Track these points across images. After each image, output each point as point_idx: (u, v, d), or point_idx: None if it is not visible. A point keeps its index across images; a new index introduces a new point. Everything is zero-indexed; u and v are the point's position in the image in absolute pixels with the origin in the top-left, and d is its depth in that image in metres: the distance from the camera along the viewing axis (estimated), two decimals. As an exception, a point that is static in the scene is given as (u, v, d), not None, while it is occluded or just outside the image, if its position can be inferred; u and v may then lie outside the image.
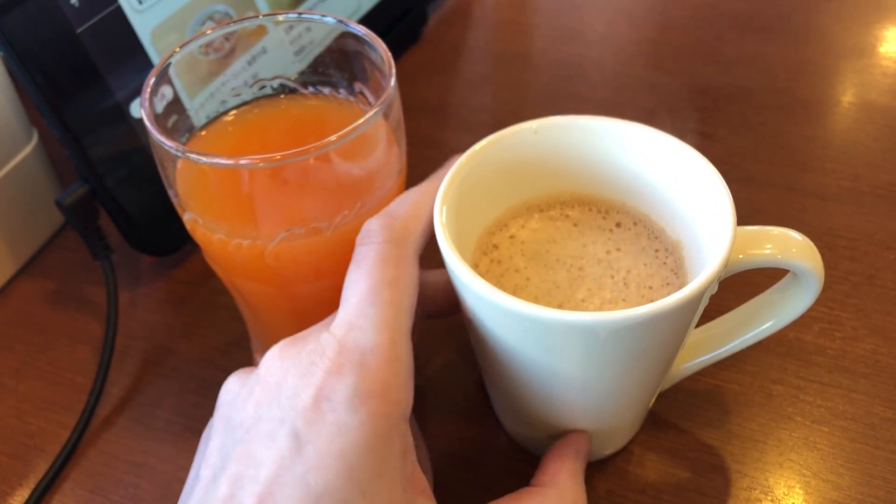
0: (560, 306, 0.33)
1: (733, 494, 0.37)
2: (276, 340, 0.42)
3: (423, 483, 0.29)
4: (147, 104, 0.33)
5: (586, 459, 0.35)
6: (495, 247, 0.36)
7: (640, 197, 0.36)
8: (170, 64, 0.35)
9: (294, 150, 0.30)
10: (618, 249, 0.35)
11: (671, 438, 0.39)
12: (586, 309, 0.33)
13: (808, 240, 0.32)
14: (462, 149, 0.34)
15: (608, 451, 0.39)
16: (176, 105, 0.37)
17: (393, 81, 0.33)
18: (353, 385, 0.26)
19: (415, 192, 0.33)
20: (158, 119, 0.35)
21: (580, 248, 0.36)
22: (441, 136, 0.60)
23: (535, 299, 0.33)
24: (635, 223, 0.36)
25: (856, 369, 0.42)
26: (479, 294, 0.29)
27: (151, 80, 0.34)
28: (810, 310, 0.44)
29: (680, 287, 0.32)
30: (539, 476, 0.34)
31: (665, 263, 0.34)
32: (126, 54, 0.45)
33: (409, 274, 0.30)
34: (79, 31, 0.43)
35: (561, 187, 0.37)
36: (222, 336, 0.47)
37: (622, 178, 0.36)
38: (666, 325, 0.29)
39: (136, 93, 0.46)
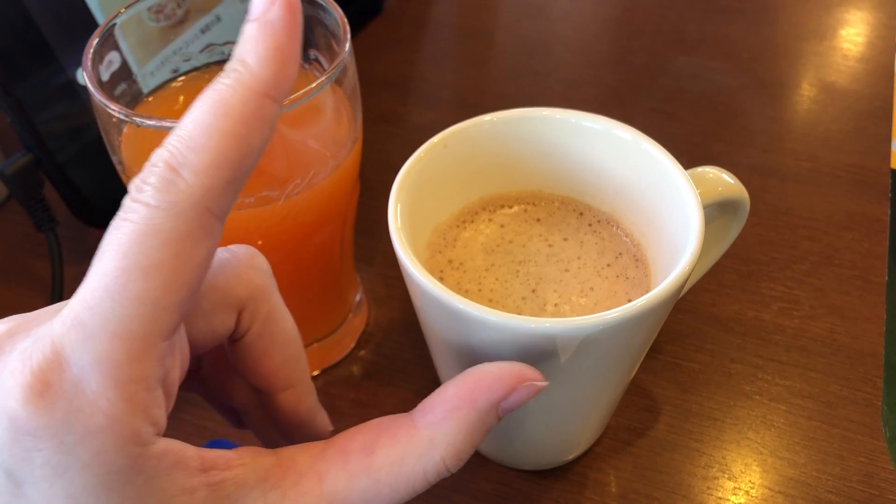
0: (527, 313, 0.31)
1: (691, 472, 0.37)
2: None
3: (178, 452, 0.21)
4: (90, 66, 0.32)
5: (504, 407, 0.24)
6: (452, 246, 0.34)
7: (604, 193, 0.34)
8: (115, 25, 0.34)
9: (243, 115, 0.29)
10: (581, 252, 0.34)
11: (629, 416, 0.39)
12: (557, 315, 0.31)
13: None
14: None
15: (572, 456, 0.38)
16: (124, 72, 0.35)
17: (348, 47, 0.32)
18: (62, 421, 0.19)
19: (205, 123, 0.20)
20: (104, 86, 0.33)
21: (545, 248, 0.34)
22: (402, 111, 0.59)
23: (498, 304, 0.32)
24: (599, 221, 0.35)
25: (813, 348, 0.42)
26: (442, 303, 0.27)
27: (95, 41, 0.33)
28: (769, 289, 0.45)
29: (648, 287, 0.31)
30: (421, 412, 0.24)
31: (633, 260, 0.33)
32: (74, 19, 0.43)
33: (193, 256, 0.20)
34: (22, -8, 0.41)
35: (523, 184, 0.35)
36: (172, 312, 0.45)
37: (585, 174, 0.34)
38: (640, 326, 0.28)
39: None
